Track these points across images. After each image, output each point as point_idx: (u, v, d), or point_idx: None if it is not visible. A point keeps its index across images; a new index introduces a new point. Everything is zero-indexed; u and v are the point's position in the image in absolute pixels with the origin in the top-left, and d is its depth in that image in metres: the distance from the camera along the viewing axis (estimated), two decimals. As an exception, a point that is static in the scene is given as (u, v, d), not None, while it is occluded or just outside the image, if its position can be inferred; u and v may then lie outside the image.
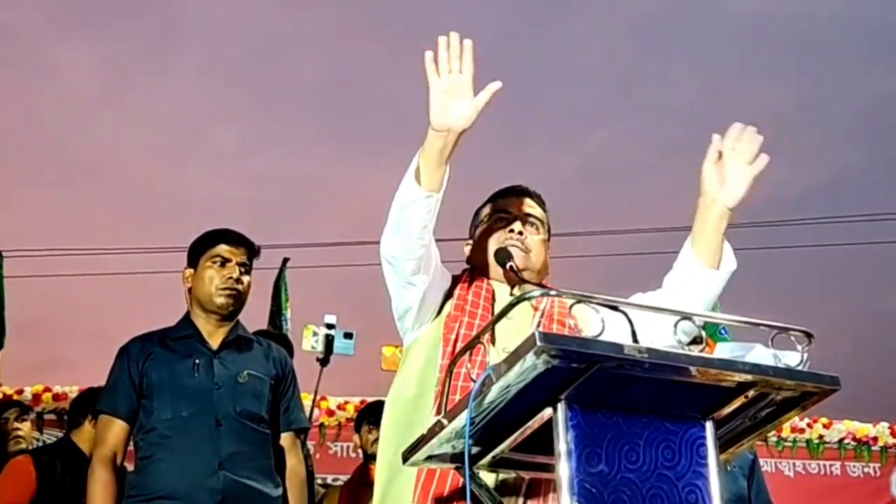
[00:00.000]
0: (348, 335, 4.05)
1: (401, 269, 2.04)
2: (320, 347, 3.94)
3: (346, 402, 7.02)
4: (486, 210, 2.32)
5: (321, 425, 7.00)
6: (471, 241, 2.32)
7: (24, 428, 4.68)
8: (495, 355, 1.64)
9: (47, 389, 6.93)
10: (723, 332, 6.12)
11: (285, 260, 7.40)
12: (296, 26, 16.34)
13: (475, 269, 2.21)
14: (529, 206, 2.28)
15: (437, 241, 2.21)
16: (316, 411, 6.92)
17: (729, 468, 3.90)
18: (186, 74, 16.01)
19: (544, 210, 2.32)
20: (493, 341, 1.97)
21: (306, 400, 4.29)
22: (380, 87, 15.77)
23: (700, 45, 16.39)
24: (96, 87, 15.77)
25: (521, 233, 2.20)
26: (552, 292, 1.52)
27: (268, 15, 16.08)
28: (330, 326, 3.96)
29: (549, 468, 1.54)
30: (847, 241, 12.36)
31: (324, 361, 3.96)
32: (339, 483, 5.44)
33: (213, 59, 16.13)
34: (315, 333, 3.94)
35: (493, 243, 2.20)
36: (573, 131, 16.58)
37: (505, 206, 2.28)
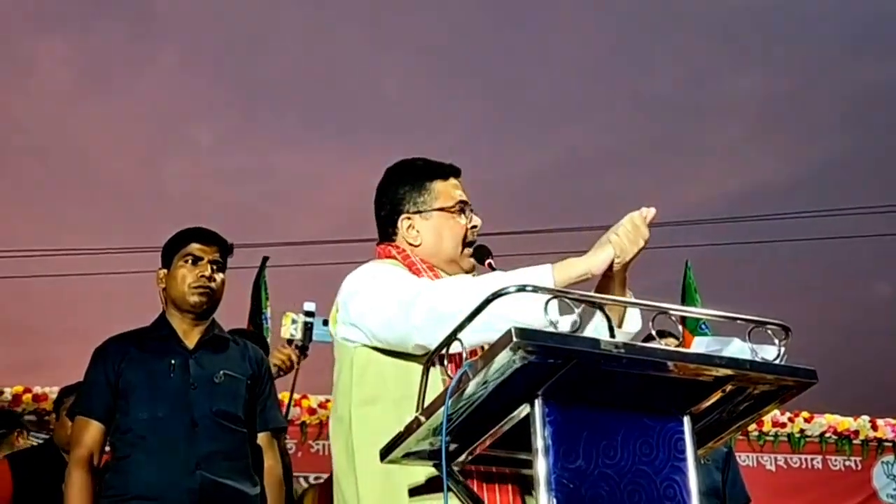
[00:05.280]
0: (327, 322, 4.00)
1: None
2: (299, 335, 3.89)
3: (328, 401, 6.99)
4: (438, 194, 2.16)
5: (302, 424, 6.97)
6: (411, 216, 2.15)
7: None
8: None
9: (27, 390, 6.86)
10: (703, 327, 6.16)
11: (265, 258, 7.37)
12: (274, 21, 16.28)
13: (423, 259, 2.11)
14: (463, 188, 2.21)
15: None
16: (297, 410, 6.90)
17: (703, 462, 3.93)
18: (164, 70, 15.91)
19: None
20: None
21: (285, 395, 4.26)
22: (359, 82, 15.74)
23: (683, 35, 16.41)
24: (72, 82, 15.66)
25: (474, 226, 2.15)
26: (528, 288, 1.50)
27: (246, 9, 16.01)
28: (309, 314, 3.90)
29: (529, 464, 1.54)
30: (832, 233, 12.42)
31: (303, 349, 3.91)
32: (321, 482, 5.43)
33: (191, 54, 16.04)
34: (294, 321, 3.89)
35: (454, 236, 2.12)
36: (554, 124, 16.58)
37: (458, 193, 2.17)
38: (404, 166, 2.23)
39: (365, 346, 1.99)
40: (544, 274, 1.77)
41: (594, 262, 1.80)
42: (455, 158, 2.24)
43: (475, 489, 1.79)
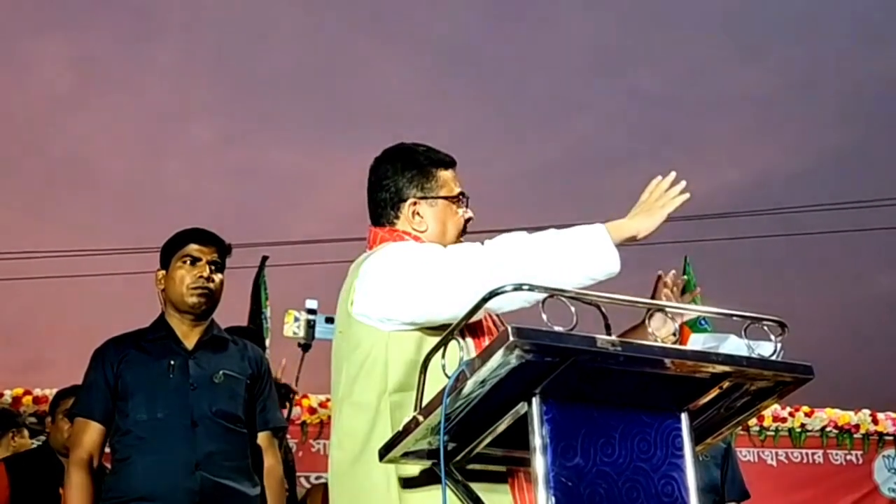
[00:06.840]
0: (329, 320, 3.99)
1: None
2: (302, 333, 3.89)
3: (328, 400, 6.98)
4: (443, 182, 2.13)
5: (303, 423, 6.97)
6: (417, 202, 2.10)
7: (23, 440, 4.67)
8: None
9: (27, 392, 6.86)
10: (703, 322, 6.15)
11: (264, 258, 7.37)
12: (273, 18, 16.26)
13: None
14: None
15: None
16: (298, 409, 6.89)
17: (701, 458, 3.93)
18: (163, 68, 15.88)
19: None
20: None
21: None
22: (360, 79, 15.72)
23: (685, 29, 16.39)
24: (70, 81, 15.62)
25: (469, 219, 2.16)
26: (524, 286, 1.50)
27: (244, 7, 15.99)
28: (311, 312, 3.91)
29: (528, 462, 1.54)
30: (833, 227, 12.40)
31: (305, 347, 3.92)
32: (322, 481, 5.43)
33: (189, 51, 16.00)
34: (297, 319, 3.89)
35: (456, 226, 2.12)
36: (557, 119, 16.56)
37: (456, 183, 2.15)
38: (408, 150, 2.18)
39: (404, 330, 1.90)
40: (600, 233, 1.80)
41: (644, 225, 1.88)
42: (455, 155, 2.22)
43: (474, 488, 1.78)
